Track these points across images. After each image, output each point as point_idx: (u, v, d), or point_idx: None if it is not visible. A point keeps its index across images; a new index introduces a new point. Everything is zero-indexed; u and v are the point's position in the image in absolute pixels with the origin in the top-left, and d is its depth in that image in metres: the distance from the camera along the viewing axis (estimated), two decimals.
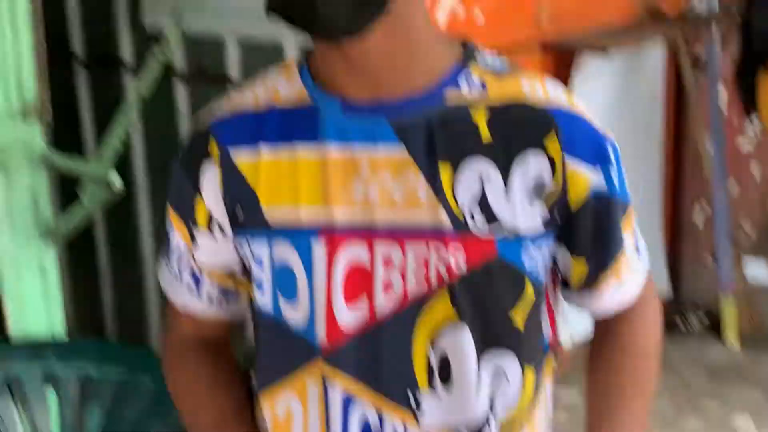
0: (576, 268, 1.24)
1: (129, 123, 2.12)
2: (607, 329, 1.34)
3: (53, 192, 2.13)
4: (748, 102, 3.23)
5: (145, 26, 3.03)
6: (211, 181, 1.21)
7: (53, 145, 2.14)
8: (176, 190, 1.27)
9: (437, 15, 2.78)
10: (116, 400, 1.64)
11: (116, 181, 1.97)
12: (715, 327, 3.82)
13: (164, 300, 1.38)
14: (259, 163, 1.18)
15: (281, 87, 1.21)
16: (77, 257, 3.35)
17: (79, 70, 3.35)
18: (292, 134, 1.17)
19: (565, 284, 1.28)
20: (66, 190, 2.28)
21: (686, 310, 3.99)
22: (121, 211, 2.96)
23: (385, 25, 1.08)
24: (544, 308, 1.25)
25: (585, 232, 1.20)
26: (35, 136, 2.01)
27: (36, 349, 2.00)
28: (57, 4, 3.21)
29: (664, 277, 3.92)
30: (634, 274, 1.29)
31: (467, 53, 1.18)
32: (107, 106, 3.18)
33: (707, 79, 3.73)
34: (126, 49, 3.17)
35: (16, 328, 2.08)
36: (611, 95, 3.49)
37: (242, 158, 1.19)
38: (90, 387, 1.71)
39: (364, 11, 1.07)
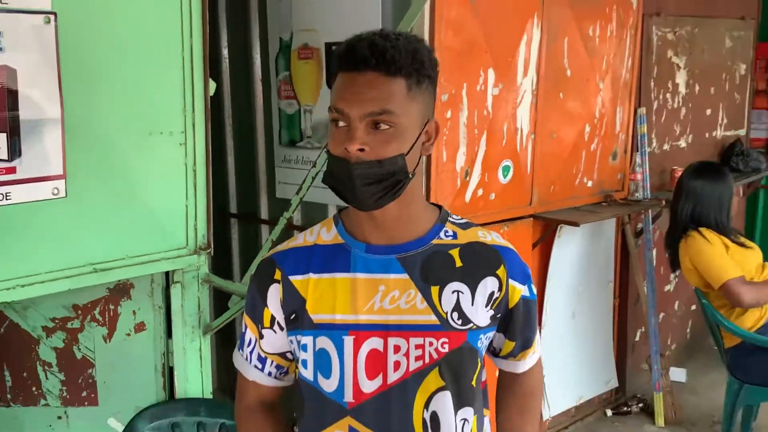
0: (507, 346, 1.43)
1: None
2: (515, 380, 1.50)
3: (212, 302, 2.32)
4: (672, 260, 3.32)
5: (276, 196, 3.31)
6: (274, 295, 1.35)
7: (213, 270, 2.27)
8: (251, 302, 1.40)
9: (465, 194, 2.95)
10: None
11: None
12: (649, 412, 3.95)
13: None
14: (308, 282, 1.32)
15: (323, 234, 1.36)
16: (222, 342, 3.48)
17: (233, 222, 3.60)
18: (332, 266, 1.31)
19: (495, 354, 1.46)
20: (221, 300, 2.41)
21: (629, 400, 4.08)
22: None
23: (398, 201, 1.25)
24: (483, 372, 1.41)
25: (516, 323, 1.39)
26: (203, 264, 2.17)
27: (192, 404, 2.17)
28: (221, 178, 3.48)
29: (615, 376, 4.02)
30: (539, 347, 1.49)
31: (443, 214, 1.37)
32: (248, 247, 3.50)
33: (644, 243, 3.94)
34: (264, 210, 3.40)
35: (180, 391, 2.22)
36: (580, 253, 3.64)
37: (296, 280, 1.33)
38: None
39: (385, 196, 1.23)
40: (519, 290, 1.36)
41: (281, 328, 1.36)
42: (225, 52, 3.42)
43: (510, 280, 1.34)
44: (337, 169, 1.22)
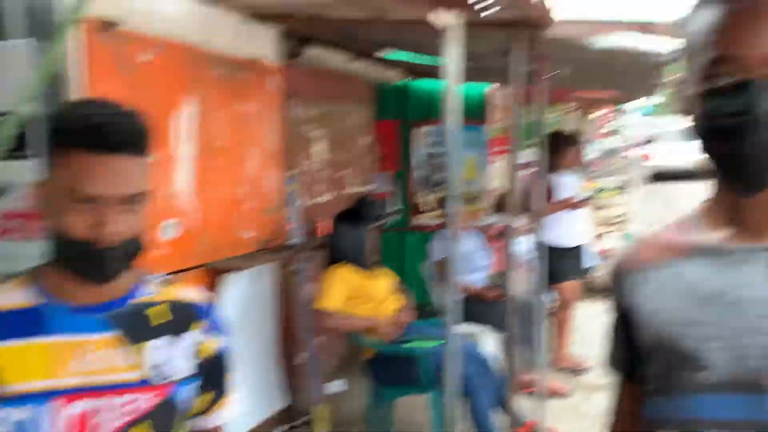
0: (201, 401, 1.25)
1: None
2: None
3: None
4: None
5: None
6: None
7: None
8: None
9: None
10: None
11: None
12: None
13: None
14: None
15: (15, 295, 1.10)
16: None
17: None
18: (28, 330, 1.08)
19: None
20: None
21: (298, 416, 4.06)
22: None
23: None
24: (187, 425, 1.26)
25: (212, 376, 1.25)
26: None
27: None
28: None
29: (286, 397, 3.96)
30: (227, 410, 1.33)
31: (142, 274, 1.19)
32: None
33: (300, 281, 3.92)
34: None
35: None
36: (248, 295, 3.53)
37: None
38: None
39: (126, 268, 1.09)
40: (213, 343, 1.24)
41: None
42: None
43: (206, 334, 1.22)
44: (81, 254, 1.04)
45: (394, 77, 5.38)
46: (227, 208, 3.39)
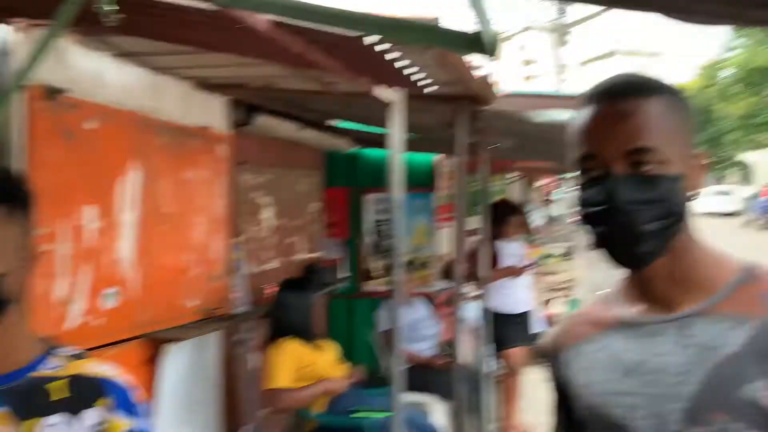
0: None
1: None
2: None
3: None
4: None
5: None
6: None
7: None
8: None
9: (68, 323, 2.59)
10: None
11: None
12: None
13: None
14: None
15: None
16: None
17: None
18: None
19: None
20: None
21: None
22: None
23: None
24: None
25: None
26: None
27: None
28: None
29: None
30: None
31: (50, 346, 1.15)
32: None
33: (244, 351, 3.92)
34: None
35: None
36: (186, 365, 3.42)
37: None
38: None
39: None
40: (124, 424, 1.14)
41: None
42: None
43: (114, 412, 1.13)
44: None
45: (344, 145, 5.48)
46: (171, 275, 3.32)
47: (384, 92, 2.29)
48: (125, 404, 1.17)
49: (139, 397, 1.20)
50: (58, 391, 1.12)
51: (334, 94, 3.10)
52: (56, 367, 1.14)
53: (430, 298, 5.12)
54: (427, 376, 4.06)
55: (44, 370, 1.13)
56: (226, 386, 3.88)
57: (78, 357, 1.19)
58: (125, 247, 2.96)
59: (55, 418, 1.10)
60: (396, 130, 2.41)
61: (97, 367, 1.18)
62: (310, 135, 4.71)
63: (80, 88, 2.65)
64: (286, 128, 4.32)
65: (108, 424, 1.13)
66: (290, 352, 3.19)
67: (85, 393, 1.14)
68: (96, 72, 2.76)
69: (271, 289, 4.21)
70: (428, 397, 3.90)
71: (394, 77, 2.18)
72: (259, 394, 3.78)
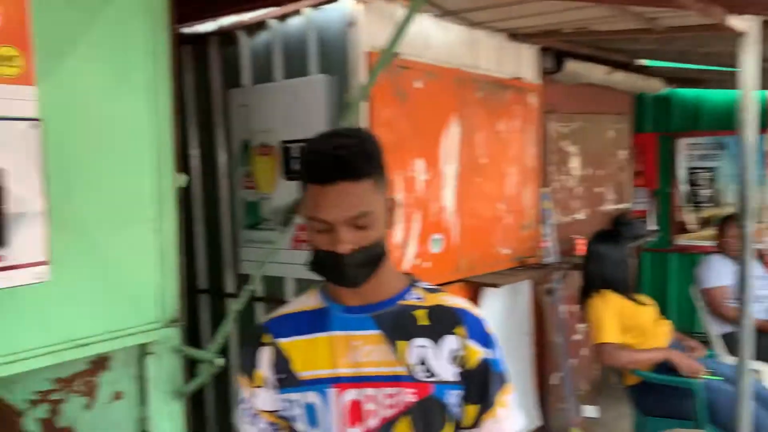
0: (468, 413, 1.26)
1: (228, 328, 2.15)
2: None
3: (183, 369, 2.12)
4: (582, 314, 3.29)
5: (240, 272, 3.17)
6: (265, 358, 1.29)
7: (185, 340, 2.13)
8: (243, 364, 1.34)
9: (404, 265, 2.89)
10: None
11: (220, 362, 2.03)
12: None
13: None
14: (294, 344, 1.27)
15: (309, 300, 1.32)
16: (192, 408, 3.40)
17: (203, 297, 3.40)
18: (314, 327, 1.27)
19: (458, 425, 1.28)
20: (192, 367, 2.21)
21: None
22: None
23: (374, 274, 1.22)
24: None
25: (475, 385, 1.25)
26: (175, 336, 2.05)
27: None
28: (192, 258, 3.32)
29: (538, 416, 3.94)
30: (506, 422, 1.29)
31: (412, 281, 1.31)
32: (216, 319, 3.31)
33: (554, 300, 4.00)
34: (229, 285, 3.25)
35: None
36: (501, 311, 3.58)
37: (283, 342, 1.28)
38: None
39: (370, 274, 1.21)
40: (478, 352, 1.25)
41: (272, 388, 1.30)
42: (194, 152, 3.35)
43: (469, 341, 1.25)
44: (328, 262, 1.20)
45: (655, 87, 5.06)
46: (486, 224, 3.47)
47: (736, 21, 2.03)
48: (479, 334, 1.27)
49: (490, 329, 1.30)
50: (421, 318, 1.26)
51: (657, 31, 2.87)
52: (419, 298, 1.29)
53: (761, 255, 4.53)
54: (760, 340, 3.63)
55: (410, 300, 1.28)
56: (536, 334, 3.97)
57: (434, 290, 1.32)
58: (447, 196, 3.17)
59: (421, 341, 1.24)
60: (749, 63, 2.13)
61: (452, 300, 1.30)
62: (619, 78, 4.45)
63: (410, 50, 2.87)
64: (596, 72, 4.13)
65: (464, 351, 1.25)
66: (612, 304, 3.11)
67: (444, 321, 1.26)
68: (423, 33, 2.95)
69: (579, 240, 4.17)
70: (763, 365, 3.50)
71: (748, 3, 1.91)
72: (567, 342, 3.90)
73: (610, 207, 4.95)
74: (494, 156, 3.46)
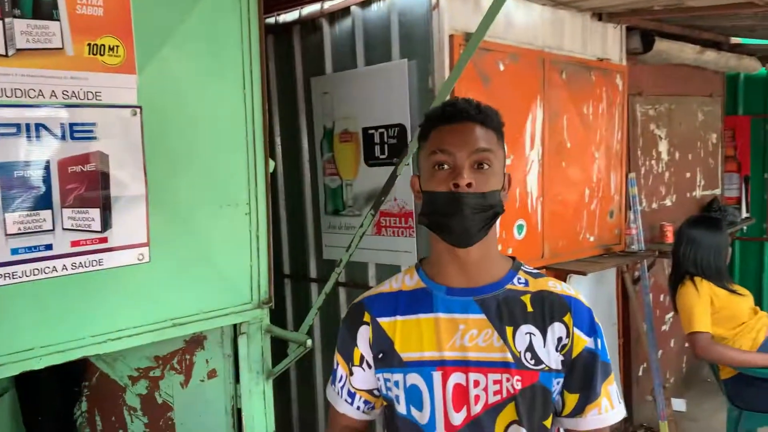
0: (569, 401, 1.24)
1: (315, 310, 2.19)
2: None
3: (273, 349, 2.14)
4: (673, 301, 3.14)
5: (324, 257, 3.22)
6: (364, 336, 1.27)
7: (272, 321, 2.17)
8: (341, 342, 1.33)
9: None
10: None
11: (309, 343, 2.05)
12: None
13: (327, 412, 1.41)
14: (395, 324, 1.24)
15: (407, 280, 1.30)
16: (276, 387, 3.50)
17: (286, 282, 3.46)
18: (416, 308, 1.24)
19: (557, 413, 1.26)
20: (279, 349, 2.26)
21: (637, 429, 3.92)
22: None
23: (481, 243, 1.20)
24: (554, 423, 1.26)
25: (578, 374, 1.22)
26: (265, 317, 2.09)
27: None
28: (276, 243, 3.35)
29: (623, 406, 3.96)
30: (610, 413, 1.26)
31: (516, 264, 1.28)
32: (300, 303, 3.39)
33: (641, 289, 3.82)
34: (313, 270, 3.29)
35: (248, 429, 2.10)
36: (587, 298, 3.64)
37: (384, 322, 1.26)
38: None
39: (485, 227, 1.18)
40: (583, 341, 1.22)
41: (369, 367, 1.29)
42: (278, 139, 3.42)
43: (575, 329, 1.22)
44: (443, 204, 1.19)
45: (751, 66, 4.78)
46: (571, 209, 3.38)
47: None
48: (586, 323, 1.23)
49: (596, 318, 1.26)
50: (529, 303, 1.23)
51: (760, 4, 2.69)
52: (524, 282, 1.25)
53: None
54: None
55: (515, 284, 1.25)
56: (621, 323, 3.85)
57: (539, 275, 1.28)
58: (531, 181, 3.10)
59: (526, 328, 1.21)
60: None
61: (558, 286, 1.26)
62: (711, 57, 4.22)
63: (493, 31, 2.81)
64: (686, 52, 3.94)
65: (570, 339, 1.21)
66: (705, 293, 2.97)
67: (551, 308, 1.22)
68: (505, 13, 2.89)
69: (667, 227, 4.01)
70: None
71: None
72: (655, 333, 3.73)
73: (699, 193, 4.72)
74: (579, 140, 3.37)
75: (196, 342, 2.12)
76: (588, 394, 1.24)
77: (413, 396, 1.23)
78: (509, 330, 1.21)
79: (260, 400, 2.15)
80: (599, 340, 1.24)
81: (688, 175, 4.57)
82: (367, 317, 1.29)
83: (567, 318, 1.22)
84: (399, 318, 1.25)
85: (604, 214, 3.60)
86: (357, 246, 2.04)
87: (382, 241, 2.91)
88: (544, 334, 1.21)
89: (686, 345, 4.44)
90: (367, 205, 2.95)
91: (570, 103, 3.28)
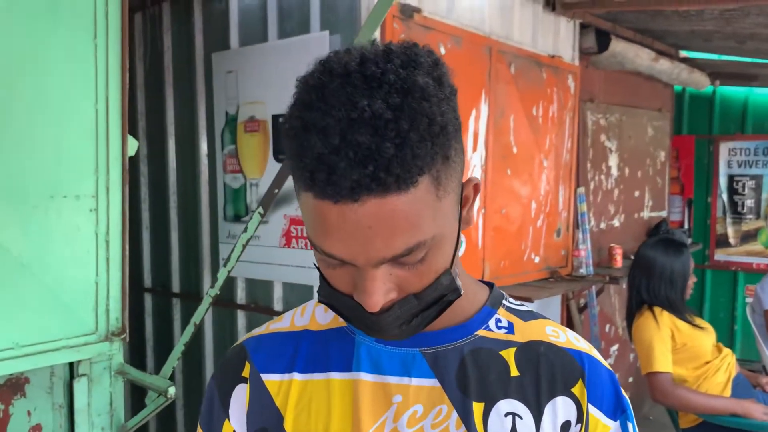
0: None
1: (182, 348, 1.68)
2: None
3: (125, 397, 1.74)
4: (629, 335, 2.80)
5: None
6: (240, 402, 0.80)
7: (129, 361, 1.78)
8: (206, 409, 0.84)
9: None
10: None
11: (172, 392, 1.59)
12: None
13: None
14: (290, 386, 0.77)
15: (318, 314, 0.82)
16: None
17: (174, 300, 2.91)
18: (327, 362, 0.78)
19: None
20: (136, 396, 1.87)
21: None
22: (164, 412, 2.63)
23: None
24: None
25: None
26: (117, 353, 1.61)
27: None
28: (136, 250, 2.99)
29: None
30: None
31: (495, 295, 0.81)
32: (166, 329, 2.87)
33: (588, 318, 3.52)
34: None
35: None
36: None
37: (271, 380, 0.79)
38: None
39: (424, 325, 0.72)
40: (605, 427, 0.75)
41: None
42: (171, 129, 2.88)
43: (590, 408, 0.74)
44: (351, 316, 0.68)
45: (700, 82, 4.59)
46: (516, 225, 3.00)
47: None
48: (607, 396, 0.76)
49: (622, 390, 0.78)
50: (513, 363, 0.76)
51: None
52: (506, 327, 0.78)
53: None
54: None
55: (492, 330, 0.77)
56: None
57: (530, 316, 0.80)
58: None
59: (511, 404, 0.74)
60: None
61: (562, 335, 0.79)
62: (665, 67, 3.97)
63: (434, 8, 2.40)
64: (642, 56, 3.65)
65: (584, 425, 0.74)
66: (665, 326, 2.61)
67: (550, 373, 0.76)
68: None
69: (617, 250, 3.70)
70: None
71: None
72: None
73: (647, 214, 4.46)
74: (527, 145, 2.98)
75: (13, 387, 1.55)
76: None
77: None
78: (477, 408, 0.73)
79: None
80: (628, 425, 0.77)
81: (636, 194, 4.30)
82: (246, 370, 0.79)
83: (578, 389, 0.75)
84: (296, 376, 0.77)
85: (551, 232, 3.23)
86: (238, 259, 1.56)
87: (293, 255, 2.42)
88: (538, 416, 0.74)
89: (630, 380, 4.15)
90: (276, 211, 2.45)
91: (518, 101, 2.89)
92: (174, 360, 1.62)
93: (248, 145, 2.57)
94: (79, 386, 1.56)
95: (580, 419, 0.74)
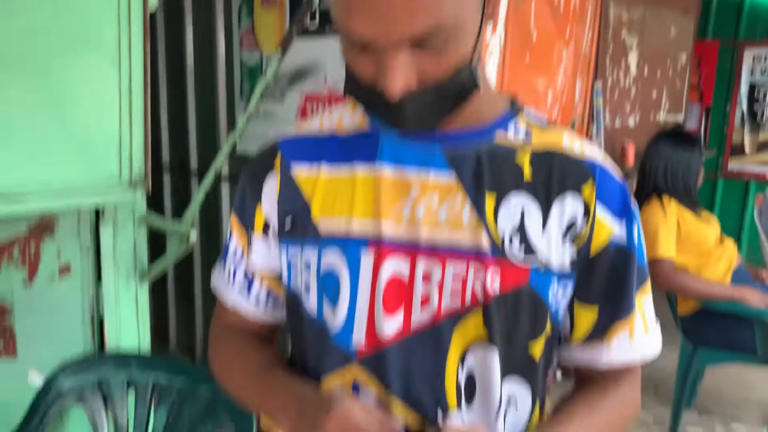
0: (583, 318, 0.83)
1: (197, 204, 1.75)
2: (606, 384, 0.86)
3: (148, 243, 1.76)
4: None
5: (237, 151, 2.76)
6: (271, 189, 0.84)
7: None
8: (240, 199, 0.89)
9: None
10: (179, 403, 1.36)
11: (193, 236, 1.65)
12: None
13: (210, 313, 1.00)
14: (317, 178, 0.81)
15: (345, 117, 0.86)
16: (154, 291, 3.07)
17: (192, 179, 2.99)
18: (352, 155, 0.81)
19: (564, 337, 0.87)
20: (156, 242, 1.93)
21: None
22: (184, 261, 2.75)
23: None
24: (555, 348, 0.86)
25: (599, 280, 0.81)
26: (139, 201, 1.68)
27: (122, 359, 1.60)
28: (155, 130, 3.03)
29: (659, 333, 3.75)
30: (645, 339, 0.85)
31: (516, 106, 0.84)
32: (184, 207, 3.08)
33: None
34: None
35: (111, 343, 1.72)
36: None
37: (301, 172, 0.83)
38: (160, 392, 1.39)
39: (447, 117, 0.75)
40: (609, 227, 0.80)
41: (276, 236, 0.86)
42: (188, 6, 2.86)
43: (598, 207, 0.79)
44: (373, 104, 0.72)
45: None
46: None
47: None
48: (614, 200, 0.80)
49: (632, 198, 0.82)
50: (527, 165, 0.80)
51: None
52: (524, 133, 0.82)
53: None
54: None
55: (511, 137, 0.81)
56: None
57: (547, 126, 0.84)
58: (490, 74, 2.67)
59: (522, 200, 0.78)
60: None
61: (577, 143, 0.83)
62: None
63: None
64: None
65: (588, 222, 0.79)
66: (672, 214, 2.66)
67: (561, 173, 0.80)
68: None
69: (630, 147, 3.69)
70: None
71: None
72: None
73: (663, 116, 4.42)
74: (547, 33, 2.93)
75: (43, 227, 1.64)
76: (615, 307, 0.82)
77: (329, 286, 0.80)
78: (490, 199, 0.78)
79: (131, 307, 1.70)
80: (635, 228, 0.81)
81: (654, 94, 4.24)
82: (278, 163, 0.85)
83: (587, 188, 0.79)
84: (324, 168, 0.82)
85: (566, 124, 3.23)
86: (243, 129, 1.59)
87: None
88: (546, 209, 0.78)
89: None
90: (292, 87, 2.47)
91: None
92: (195, 207, 1.68)
93: (265, 20, 2.56)
94: (105, 230, 1.63)
95: (586, 215, 0.79)
